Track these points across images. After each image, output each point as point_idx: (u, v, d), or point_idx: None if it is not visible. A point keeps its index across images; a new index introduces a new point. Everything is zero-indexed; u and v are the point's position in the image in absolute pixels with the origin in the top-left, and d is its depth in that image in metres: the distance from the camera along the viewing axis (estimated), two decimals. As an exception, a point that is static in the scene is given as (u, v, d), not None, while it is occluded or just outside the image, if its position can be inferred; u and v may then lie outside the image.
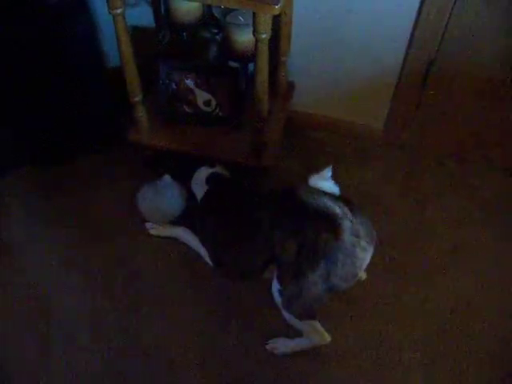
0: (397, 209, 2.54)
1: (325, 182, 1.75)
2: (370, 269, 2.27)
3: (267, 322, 2.19)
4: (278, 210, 1.82)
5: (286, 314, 1.91)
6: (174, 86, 2.43)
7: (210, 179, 2.22)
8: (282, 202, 1.84)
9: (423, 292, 2.28)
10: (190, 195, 2.35)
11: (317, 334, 1.96)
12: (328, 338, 1.97)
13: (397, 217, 2.50)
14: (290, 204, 1.78)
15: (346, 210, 1.70)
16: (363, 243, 1.69)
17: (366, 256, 1.73)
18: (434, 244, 2.43)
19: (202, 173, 2.26)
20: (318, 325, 1.94)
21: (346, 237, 1.65)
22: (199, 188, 2.24)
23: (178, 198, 2.37)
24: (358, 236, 1.68)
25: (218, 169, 2.28)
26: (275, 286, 1.85)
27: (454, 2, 2.15)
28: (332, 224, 1.66)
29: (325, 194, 1.75)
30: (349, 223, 1.67)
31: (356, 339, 2.16)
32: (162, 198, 2.38)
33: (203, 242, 2.21)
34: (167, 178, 2.39)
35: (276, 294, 1.87)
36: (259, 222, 1.84)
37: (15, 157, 2.66)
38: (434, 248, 2.41)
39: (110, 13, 2.00)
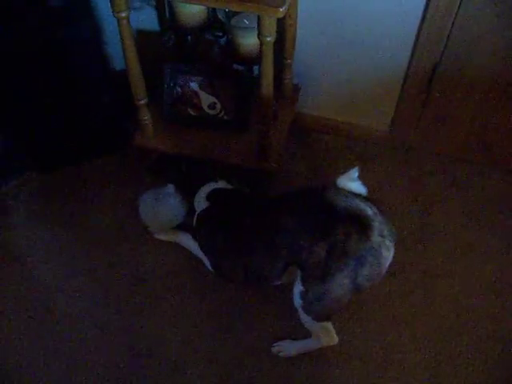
0: (402, 211, 2.53)
1: (352, 182, 1.73)
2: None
3: (272, 324, 2.20)
4: (302, 214, 1.79)
5: (303, 316, 1.90)
6: (179, 89, 2.43)
7: (210, 196, 2.17)
8: (308, 205, 1.81)
9: (428, 294, 2.27)
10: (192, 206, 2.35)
11: (327, 335, 1.96)
12: (336, 339, 1.97)
13: (402, 219, 2.49)
14: (318, 206, 1.76)
15: (375, 210, 1.70)
16: (387, 242, 1.69)
17: (389, 255, 1.72)
18: (439, 246, 2.42)
19: (204, 191, 2.21)
20: (330, 326, 1.94)
21: (375, 237, 1.65)
22: (200, 206, 2.20)
23: (178, 207, 2.34)
24: (383, 236, 1.67)
25: (220, 184, 2.23)
26: (297, 288, 1.82)
27: (460, 4, 2.15)
28: (362, 225, 1.65)
29: (354, 195, 1.73)
30: (378, 224, 1.66)
31: (361, 341, 2.16)
32: (162, 207, 2.35)
33: (204, 253, 2.19)
34: (170, 187, 2.38)
35: (297, 296, 1.85)
36: (279, 228, 1.81)
37: (19, 161, 2.67)
38: (440, 250, 2.41)
39: (114, 16, 2.00)
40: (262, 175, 2.41)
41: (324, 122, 2.80)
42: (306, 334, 2.03)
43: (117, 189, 2.62)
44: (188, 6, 2.23)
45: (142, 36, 2.61)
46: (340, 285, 1.71)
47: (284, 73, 2.48)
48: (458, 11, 2.17)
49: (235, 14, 2.28)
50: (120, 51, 2.14)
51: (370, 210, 1.68)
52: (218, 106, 2.43)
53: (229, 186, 2.22)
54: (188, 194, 2.28)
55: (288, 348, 2.11)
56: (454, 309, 2.24)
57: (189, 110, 2.47)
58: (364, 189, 1.75)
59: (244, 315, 2.23)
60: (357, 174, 1.75)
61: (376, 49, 2.41)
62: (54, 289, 2.31)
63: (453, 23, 2.21)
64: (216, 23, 2.39)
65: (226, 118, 2.45)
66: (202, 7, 2.28)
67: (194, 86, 2.42)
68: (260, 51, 1.92)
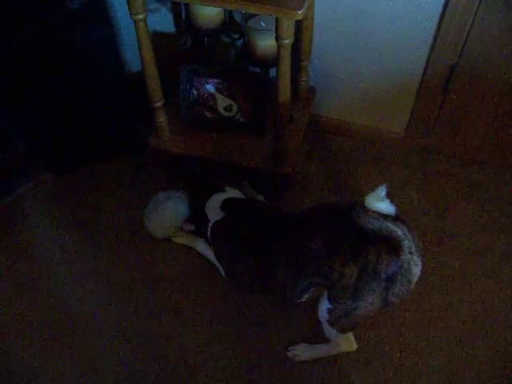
0: (417, 214, 2.52)
1: (382, 203, 1.68)
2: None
3: (287, 328, 2.19)
4: (332, 236, 1.75)
5: (327, 329, 1.89)
6: (195, 92, 2.43)
7: (225, 206, 2.15)
8: (335, 225, 1.77)
9: (444, 298, 2.26)
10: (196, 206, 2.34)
11: (347, 342, 1.96)
12: (355, 345, 1.97)
13: (417, 221, 2.48)
14: (347, 227, 1.72)
15: (405, 230, 1.67)
16: (416, 258, 1.68)
17: (418, 271, 1.72)
18: (456, 249, 2.41)
19: (215, 201, 2.20)
20: (351, 335, 1.94)
21: (405, 256, 1.64)
22: (214, 215, 2.18)
23: (175, 212, 2.35)
24: (411, 253, 1.66)
25: (232, 193, 2.23)
26: (324, 305, 1.81)
27: (478, 6, 2.14)
28: (393, 245, 1.63)
29: (383, 216, 1.68)
30: (407, 242, 1.65)
31: (377, 345, 2.15)
32: (159, 211, 2.37)
33: (219, 262, 2.18)
34: (161, 194, 2.40)
35: (324, 312, 1.83)
36: (308, 250, 1.78)
37: (34, 163, 2.68)
38: (457, 253, 2.39)
39: (131, 18, 2.01)
40: (278, 178, 2.40)
41: (339, 125, 2.79)
42: (323, 339, 2.02)
43: (131, 190, 2.63)
44: (205, 8, 2.23)
45: (157, 38, 2.62)
46: (370, 303, 1.70)
47: (300, 75, 2.48)
48: (476, 12, 2.16)
49: (252, 16, 2.28)
50: (135, 53, 2.15)
51: (400, 231, 1.65)
52: (235, 108, 2.43)
53: (242, 196, 2.23)
54: (201, 197, 2.28)
55: (303, 352, 2.10)
56: (470, 312, 2.22)
57: (205, 112, 2.46)
58: (393, 208, 1.71)
59: (259, 318, 2.22)
60: (384, 192, 1.70)
61: (393, 50, 2.40)
62: (70, 290, 2.32)
63: (471, 25, 2.20)
64: (232, 25, 2.39)
65: (242, 120, 2.45)
66: (219, 9, 2.28)
67: (210, 88, 2.42)
68: (277, 53, 1.91)
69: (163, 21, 2.60)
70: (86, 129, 2.56)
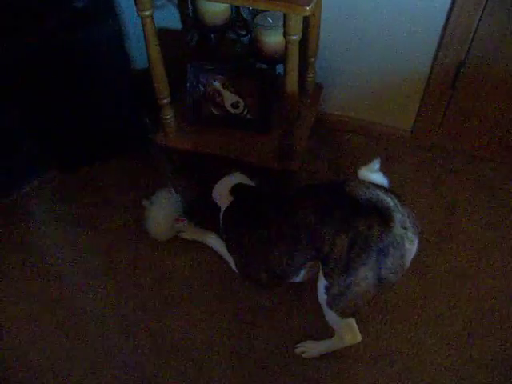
0: (426, 211, 2.51)
1: (374, 174, 1.71)
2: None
3: (295, 325, 2.19)
4: (324, 206, 1.76)
5: (327, 312, 1.88)
6: (202, 88, 2.43)
7: (234, 190, 2.17)
8: (329, 197, 1.78)
9: (453, 294, 2.26)
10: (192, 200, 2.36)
11: (351, 332, 1.94)
12: (360, 337, 1.95)
13: (426, 219, 2.48)
14: (339, 198, 1.74)
15: (396, 201, 1.68)
16: (410, 234, 1.67)
17: (413, 248, 1.71)
18: (464, 246, 2.40)
19: (225, 183, 2.21)
20: (354, 323, 1.92)
21: (397, 229, 1.63)
22: (223, 198, 2.20)
23: (164, 212, 2.36)
24: (405, 228, 1.66)
25: (238, 177, 2.23)
26: (321, 283, 1.81)
27: (485, 4, 2.13)
28: (384, 217, 1.63)
29: (376, 186, 1.71)
30: (399, 215, 1.65)
31: (386, 341, 2.14)
32: (152, 219, 2.38)
33: (230, 252, 2.18)
34: (152, 198, 2.40)
35: (321, 291, 1.83)
36: (300, 221, 1.80)
37: (40, 161, 2.68)
38: (465, 250, 2.39)
39: (138, 15, 2.01)
40: (284, 175, 2.40)
41: (346, 121, 2.79)
42: (330, 335, 2.02)
43: (136, 188, 2.63)
44: (212, 4, 2.22)
45: (164, 35, 2.61)
46: (364, 278, 1.69)
47: (307, 71, 2.48)
48: (484, 9, 2.15)
49: (259, 12, 2.27)
50: (141, 51, 2.14)
51: (391, 202, 1.66)
52: (241, 104, 2.42)
53: (250, 183, 2.23)
54: (208, 191, 2.29)
55: (311, 348, 2.10)
56: (478, 309, 2.22)
57: (212, 108, 2.46)
58: (385, 180, 1.73)
59: (267, 316, 2.22)
60: (378, 166, 1.73)
61: (400, 47, 2.39)
62: (77, 288, 2.32)
63: (478, 22, 2.20)
64: (239, 22, 2.38)
65: (249, 116, 2.44)
66: (226, 5, 2.28)
67: (216, 84, 2.41)
68: (285, 50, 1.90)
69: (170, 17, 2.60)
70: (91, 126, 2.56)
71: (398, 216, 1.65)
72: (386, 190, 1.73)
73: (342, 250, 1.68)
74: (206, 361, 2.12)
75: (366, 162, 1.80)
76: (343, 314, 1.86)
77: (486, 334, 2.16)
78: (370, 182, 1.74)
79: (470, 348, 2.12)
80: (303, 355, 2.10)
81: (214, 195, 2.27)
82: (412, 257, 1.73)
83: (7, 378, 2.11)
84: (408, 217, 1.70)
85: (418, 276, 2.29)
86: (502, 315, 2.20)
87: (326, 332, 2.03)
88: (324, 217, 1.73)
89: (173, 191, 2.39)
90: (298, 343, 2.13)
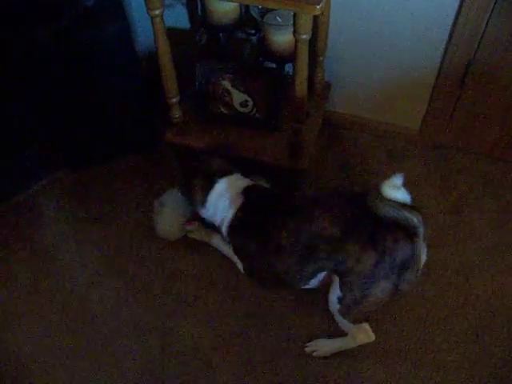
0: (434, 209, 2.51)
1: (397, 190, 1.67)
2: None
3: (304, 324, 2.19)
4: (344, 219, 1.75)
5: (340, 320, 1.90)
6: (211, 87, 2.43)
7: (245, 191, 2.05)
8: (348, 210, 1.77)
9: (462, 293, 2.26)
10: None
11: (364, 333, 1.95)
12: (373, 336, 1.96)
13: (434, 217, 2.48)
14: (361, 212, 1.73)
15: (420, 218, 1.67)
16: (424, 245, 1.71)
17: (424, 257, 1.75)
18: (472, 245, 2.40)
19: (233, 186, 2.08)
20: (367, 325, 1.93)
21: (419, 244, 1.66)
22: (227, 201, 2.05)
23: (173, 213, 2.34)
24: (424, 240, 1.70)
25: (238, 176, 2.12)
26: (335, 294, 1.82)
27: (495, 2, 2.12)
28: (409, 232, 1.65)
29: (399, 204, 1.66)
30: (422, 230, 1.66)
31: (395, 340, 2.15)
32: (161, 219, 2.37)
33: (238, 258, 2.14)
34: (161, 198, 2.38)
35: (334, 302, 1.84)
36: (316, 232, 1.78)
37: (49, 160, 2.69)
38: (473, 249, 2.39)
39: (148, 14, 2.01)
40: (293, 174, 2.40)
41: (354, 120, 2.79)
42: (341, 333, 2.02)
43: (146, 187, 2.64)
44: (221, 3, 2.22)
45: (173, 34, 2.61)
46: (382, 290, 1.71)
47: (316, 70, 2.47)
48: (493, 8, 2.14)
49: (268, 11, 2.27)
50: (150, 49, 2.14)
51: (415, 219, 1.65)
52: (250, 103, 2.43)
53: (259, 184, 2.20)
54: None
55: (322, 347, 2.10)
56: (487, 308, 2.22)
57: (220, 107, 2.46)
58: (408, 196, 1.70)
59: (276, 315, 2.22)
60: (401, 181, 1.69)
61: (409, 46, 2.39)
62: (86, 286, 2.33)
63: (488, 21, 2.19)
64: (248, 21, 2.38)
65: (257, 115, 2.44)
66: (235, 4, 2.28)
67: (225, 83, 2.41)
68: (295, 49, 1.91)
69: (179, 16, 2.60)
70: (100, 125, 2.57)
71: (421, 231, 1.66)
72: (410, 208, 1.69)
73: (367, 265, 1.69)
74: (213, 360, 2.12)
75: (388, 175, 1.73)
76: (356, 321, 1.88)
77: (494, 333, 2.16)
78: (394, 201, 1.68)
79: (478, 347, 2.12)
80: (314, 354, 2.10)
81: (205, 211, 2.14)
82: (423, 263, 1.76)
83: (16, 376, 2.12)
84: (426, 229, 1.70)
85: (426, 275, 2.28)
86: (510, 315, 2.20)
87: (337, 331, 2.03)
88: (347, 230, 1.72)
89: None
90: (309, 341, 2.14)
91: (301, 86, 2.02)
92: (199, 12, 2.51)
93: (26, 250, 2.44)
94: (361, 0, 2.30)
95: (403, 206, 1.66)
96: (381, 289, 1.71)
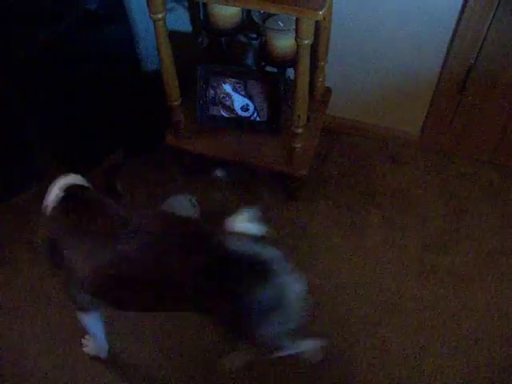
0: (433, 214, 2.52)
1: (246, 224, 1.51)
2: (406, 275, 2.28)
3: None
4: (198, 269, 1.49)
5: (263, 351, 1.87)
6: (212, 91, 2.44)
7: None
8: (200, 256, 1.50)
9: (460, 298, 2.26)
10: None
11: (308, 348, 1.92)
12: (320, 342, 1.94)
13: (434, 222, 2.48)
14: (211, 258, 1.49)
15: (273, 251, 1.50)
16: (288, 279, 1.52)
17: (298, 286, 1.55)
18: (472, 250, 2.40)
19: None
20: (302, 346, 1.84)
21: (277, 280, 1.48)
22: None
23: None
24: (283, 275, 1.51)
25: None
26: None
27: (496, 7, 2.13)
28: (262, 273, 1.46)
29: (250, 238, 1.50)
30: (277, 266, 1.48)
31: (393, 345, 2.15)
32: None
33: None
34: (167, 202, 2.39)
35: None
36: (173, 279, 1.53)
37: (48, 163, 2.68)
38: (473, 254, 2.39)
39: (150, 18, 2.02)
40: (293, 179, 2.40)
41: (355, 125, 2.79)
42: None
43: (150, 189, 2.64)
44: (223, 7, 2.22)
45: (175, 37, 2.61)
46: (268, 332, 1.56)
47: (316, 75, 2.48)
48: (495, 14, 2.15)
49: (270, 15, 2.27)
50: (151, 52, 2.14)
51: (268, 254, 1.50)
52: (251, 108, 2.43)
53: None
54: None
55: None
56: (486, 314, 2.22)
57: (221, 111, 2.47)
58: (263, 227, 1.53)
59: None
60: (253, 214, 1.54)
61: (410, 50, 2.40)
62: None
63: (489, 25, 2.20)
64: (250, 25, 2.39)
65: (258, 120, 2.45)
66: (237, 9, 2.28)
67: (226, 87, 2.42)
68: (297, 54, 1.91)
69: (180, 20, 2.60)
70: (103, 128, 2.57)
71: (275, 268, 1.48)
72: (261, 239, 1.53)
73: (227, 317, 1.55)
74: (214, 363, 2.12)
75: (236, 208, 1.58)
76: (271, 354, 1.84)
77: (493, 338, 2.16)
78: (243, 235, 1.52)
79: (477, 352, 2.13)
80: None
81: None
82: (301, 294, 1.56)
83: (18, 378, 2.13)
84: (284, 262, 1.52)
85: (425, 279, 2.30)
86: (509, 320, 2.21)
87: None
88: (200, 284, 1.50)
89: (186, 195, 2.39)
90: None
91: (302, 91, 2.03)
92: (201, 16, 2.51)
93: (27, 251, 2.44)
94: (362, 5, 2.30)
95: (254, 239, 1.52)
96: (264, 333, 1.56)
